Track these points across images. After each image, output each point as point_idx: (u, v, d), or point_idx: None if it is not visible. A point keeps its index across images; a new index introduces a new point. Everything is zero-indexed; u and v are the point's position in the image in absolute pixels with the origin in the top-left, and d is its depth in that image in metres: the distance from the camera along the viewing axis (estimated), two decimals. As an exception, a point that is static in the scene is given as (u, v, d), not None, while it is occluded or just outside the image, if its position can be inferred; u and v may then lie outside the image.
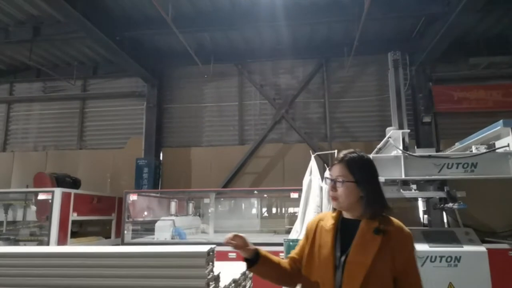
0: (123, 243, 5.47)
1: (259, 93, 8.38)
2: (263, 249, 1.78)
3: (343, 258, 1.62)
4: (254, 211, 7.41)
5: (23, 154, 8.87)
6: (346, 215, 1.75)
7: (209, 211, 6.19)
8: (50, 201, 5.56)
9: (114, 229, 6.88)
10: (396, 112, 4.93)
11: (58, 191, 5.59)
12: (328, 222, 1.76)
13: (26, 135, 9.04)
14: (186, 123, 8.55)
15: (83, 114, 8.94)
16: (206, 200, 6.51)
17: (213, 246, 1.58)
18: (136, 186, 7.73)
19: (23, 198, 6.06)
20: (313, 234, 1.79)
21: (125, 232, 5.57)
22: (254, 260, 1.71)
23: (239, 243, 1.67)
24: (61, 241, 5.62)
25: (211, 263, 1.57)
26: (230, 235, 1.70)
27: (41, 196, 5.65)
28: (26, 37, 6.78)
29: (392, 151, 4.25)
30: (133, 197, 5.69)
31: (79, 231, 6.98)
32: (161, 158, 8.39)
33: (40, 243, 5.62)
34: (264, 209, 7.40)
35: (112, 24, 6.40)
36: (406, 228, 1.68)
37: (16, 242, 5.79)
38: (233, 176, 8.04)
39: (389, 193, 4.06)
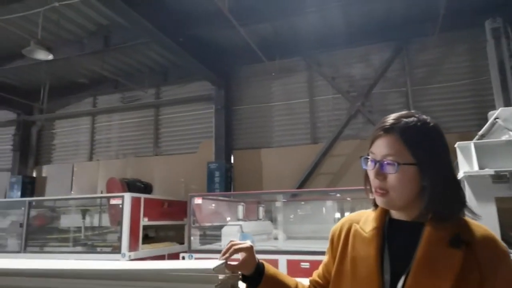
0: (190, 250, 5.27)
1: (331, 87, 7.71)
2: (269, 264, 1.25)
3: (400, 284, 1.00)
4: (330, 214, 6.75)
5: (107, 162, 9.38)
6: (396, 215, 1.13)
7: (279, 215, 5.71)
8: (120, 206, 5.60)
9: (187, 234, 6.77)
10: (500, 90, 3.95)
11: (128, 196, 5.60)
12: (368, 225, 1.14)
13: (109, 144, 9.55)
14: (255, 124, 8.24)
15: (158, 121, 9.16)
16: (278, 204, 6.04)
17: (220, 263, 1.10)
18: (208, 190, 7.60)
19: (98, 203, 6.24)
20: (341, 244, 1.18)
21: (192, 238, 5.36)
22: (256, 279, 1.18)
23: (236, 264, 1.16)
24: (133, 246, 5.61)
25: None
26: (228, 245, 1.19)
27: (112, 201, 5.73)
28: (99, 48, 7.06)
29: (501, 135, 3.31)
30: (198, 200, 5.47)
31: (155, 236, 7.03)
32: (232, 161, 8.18)
33: (115, 249, 5.68)
34: (341, 213, 6.68)
35: (173, 25, 6.33)
36: (500, 240, 1.02)
37: (93, 247, 5.95)
38: (307, 177, 7.48)
39: (495, 190, 3.13)
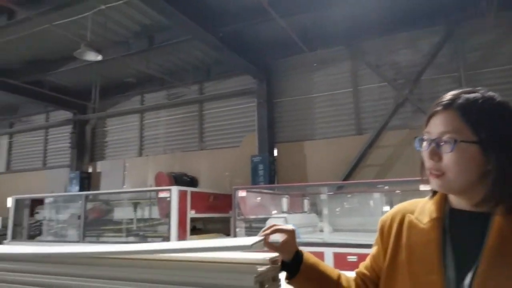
0: (235, 241, 5.35)
1: (376, 75, 7.43)
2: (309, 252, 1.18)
3: (467, 281, 0.89)
4: (378, 207, 6.54)
5: (155, 157, 9.74)
6: (457, 203, 1.01)
7: (325, 207, 5.63)
8: (168, 199, 5.80)
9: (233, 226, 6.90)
10: None
11: (175, 189, 5.80)
12: (425, 215, 1.04)
13: (157, 140, 9.91)
14: (298, 116, 8.16)
15: (202, 116, 9.35)
16: (323, 196, 5.96)
17: (259, 239, 1.10)
18: (252, 183, 7.66)
19: (148, 197, 6.51)
20: (394, 236, 1.08)
21: (237, 230, 5.44)
22: (294, 266, 1.13)
23: (275, 244, 1.12)
24: (181, 237, 5.81)
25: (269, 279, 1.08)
26: (270, 224, 1.16)
27: (161, 195, 5.95)
28: (143, 47, 7.32)
29: None
30: (242, 193, 5.53)
31: (202, 228, 7.24)
32: (275, 154, 8.18)
33: (165, 239, 5.91)
34: (390, 205, 6.46)
35: (213, 21, 6.40)
36: None
37: (144, 238, 6.23)
38: (352, 170, 7.30)
39: None
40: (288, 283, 1.15)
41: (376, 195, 6.46)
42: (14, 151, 12.43)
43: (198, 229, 7.03)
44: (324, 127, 7.86)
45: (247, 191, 5.62)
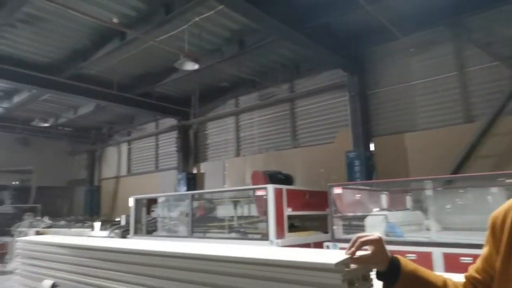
0: (333, 239, 5.26)
1: (486, 54, 6.59)
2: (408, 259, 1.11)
3: None
4: (497, 203, 5.78)
5: (252, 157, 10.12)
6: None
7: (431, 204, 5.19)
8: (265, 197, 5.96)
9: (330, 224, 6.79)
10: None
11: (271, 188, 5.92)
12: None
13: (252, 140, 10.28)
14: (396, 107, 7.68)
15: (293, 114, 9.41)
16: (428, 192, 5.51)
17: (344, 257, 1.06)
18: (349, 180, 7.45)
19: (246, 195, 6.78)
20: (507, 236, 0.97)
21: (334, 227, 5.34)
22: (392, 275, 1.06)
23: (365, 257, 1.07)
24: (279, 234, 5.91)
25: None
26: (354, 239, 1.10)
27: (258, 193, 6.14)
28: (235, 53, 7.66)
29: None
30: (337, 190, 5.41)
31: (300, 226, 7.27)
32: (372, 148, 7.82)
33: (264, 236, 6.08)
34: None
35: (299, 19, 6.38)
36: None
37: (245, 234, 6.50)
38: (462, 162, 6.60)
39: None
40: None
41: (494, 189, 5.72)
42: (132, 157, 14.11)
43: (295, 226, 7.08)
44: (426, 116, 7.25)
45: (343, 188, 5.47)
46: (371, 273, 1.13)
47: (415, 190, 6.13)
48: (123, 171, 14.23)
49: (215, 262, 1.31)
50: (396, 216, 5.35)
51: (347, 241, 4.48)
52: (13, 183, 14.04)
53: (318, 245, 6.15)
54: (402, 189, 6.14)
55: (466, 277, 1.11)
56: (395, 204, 5.84)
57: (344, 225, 5.58)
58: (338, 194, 5.43)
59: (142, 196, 8.38)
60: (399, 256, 1.10)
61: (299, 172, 8.70)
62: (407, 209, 5.89)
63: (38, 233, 9.59)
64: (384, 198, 5.59)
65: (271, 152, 9.67)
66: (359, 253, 1.07)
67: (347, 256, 1.06)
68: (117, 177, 14.32)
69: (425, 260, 4.41)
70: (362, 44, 7.77)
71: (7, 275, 7.80)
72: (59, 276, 2.02)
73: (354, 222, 5.66)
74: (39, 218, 11.33)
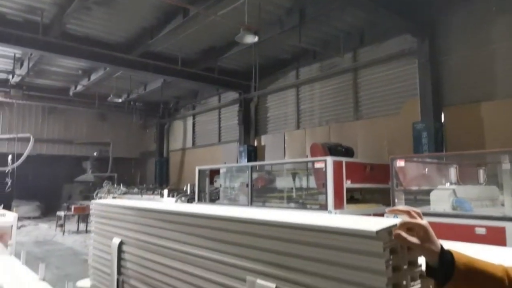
0: (395, 213, 5.09)
1: None
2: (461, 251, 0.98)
3: None
4: None
5: (312, 129, 10.00)
6: None
7: (507, 178, 4.76)
8: (323, 169, 5.91)
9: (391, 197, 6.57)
10: None
11: (330, 160, 5.85)
12: None
13: (312, 113, 10.12)
14: (471, 74, 7.00)
15: (356, 85, 9.04)
16: (505, 165, 5.05)
17: (395, 221, 1.02)
18: (415, 152, 7.07)
19: (304, 167, 6.77)
20: None
21: (396, 200, 5.15)
22: (443, 271, 0.96)
23: (411, 240, 0.96)
24: (338, 206, 5.87)
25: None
26: (399, 222, 1.00)
27: (316, 165, 6.10)
28: (295, 23, 7.47)
29: None
30: (400, 163, 5.16)
31: (360, 199, 7.14)
32: (442, 119, 7.29)
33: (322, 207, 6.08)
34: None
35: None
36: None
37: (304, 205, 6.55)
38: (548, 133, 5.90)
39: None
40: None
41: None
42: (197, 130, 14.71)
43: (356, 199, 6.97)
44: (508, 84, 6.53)
45: (406, 161, 5.21)
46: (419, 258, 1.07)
47: (490, 163, 5.65)
48: (189, 143, 14.92)
49: (257, 225, 1.35)
50: (466, 191, 5.01)
51: (408, 215, 4.30)
52: (94, 154, 15.49)
53: (378, 215, 6.02)
54: (475, 163, 5.68)
55: None
56: (466, 179, 5.44)
57: (406, 199, 5.36)
58: (401, 167, 5.19)
59: (206, 167, 8.78)
60: (451, 249, 1.00)
61: (361, 145, 8.44)
62: (480, 184, 5.47)
63: (115, 198, 10.57)
64: (453, 172, 5.23)
65: (332, 125, 9.46)
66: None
67: (393, 223, 1.01)
68: (183, 149, 15.08)
69: (497, 234, 4.12)
70: (434, 6, 7.12)
71: (90, 233, 8.76)
72: (126, 235, 2.22)
73: (418, 197, 5.41)
74: (115, 186, 12.45)
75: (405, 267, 1.03)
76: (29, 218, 13.80)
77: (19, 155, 12.29)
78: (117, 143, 15.66)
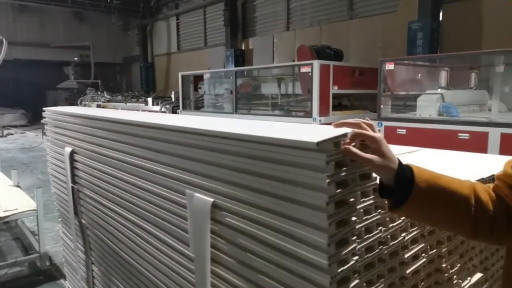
0: (379, 118, 4.95)
1: None
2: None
3: None
4: None
5: (302, 31, 9.36)
6: None
7: (498, 82, 4.54)
8: (310, 74, 5.61)
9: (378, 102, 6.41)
10: None
11: (316, 64, 5.51)
12: None
13: (303, 12, 9.37)
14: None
15: (351, -21, 8.21)
16: (498, 68, 4.79)
17: (344, 130, 0.80)
18: (408, 55, 6.69)
19: (291, 72, 6.44)
20: None
21: (382, 106, 4.97)
22: (403, 190, 0.79)
23: (361, 154, 0.79)
24: (323, 112, 5.72)
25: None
26: (351, 133, 0.81)
27: (302, 69, 5.78)
28: None
29: None
30: (389, 66, 4.85)
31: (348, 105, 6.98)
32: (440, 18, 6.76)
33: (307, 113, 5.94)
34: None
35: None
36: None
37: (289, 112, 6.39)
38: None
39: None
40: (394, 212, 0.85)
41: None
42: (181, 32, 13.81)
43: (344, 105, 6.80)
44: (515, -24, 5.90)
45: (396, 64, 4.89)
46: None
47: (484, 66, 5.38)
48: (174, 47, 14.15)
49: (190, 134, 1.15)
50: (455, 95, 4.83)
51: (394, 120, 4.15)
52: (75, 59, 14.74)
53: (364, 124, 5.94)
54: (468, 66, 5.40)
55: (496, 183, 0.83)
56: (457, 83, 5.20)
57: (393, 105, 5.19)
58: (390, 70, 4.90)
59: (189, 73, 8.38)
60: (411, 164, 0.81)
61: (353, 48, 7.97)
62: (471, 88, 5.26)
63: (98, 106, 10.33)
64: (443, 76, 4.96)
65: (324, 26, 8.82)
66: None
67: (340, 134, 0.80)
68: (168, 54, 14.36)
69: (480, 140, 4.06)
70: None
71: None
72: (77, 145, 2.04)
73: (407, 102, 5.23)
74: (99, 93, 12.08)
75: (356, 182, 0.85)
76: (16, 126, 13.67)
77: (-7, 60, 11.58)
78: (98, 47, 14.82)
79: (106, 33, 15.36)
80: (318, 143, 0.75)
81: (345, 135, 0.80)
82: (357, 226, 0.87)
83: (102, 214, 1.86)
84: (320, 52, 5.97)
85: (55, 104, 14.66)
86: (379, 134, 0.81)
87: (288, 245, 0.88)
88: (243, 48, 11.00)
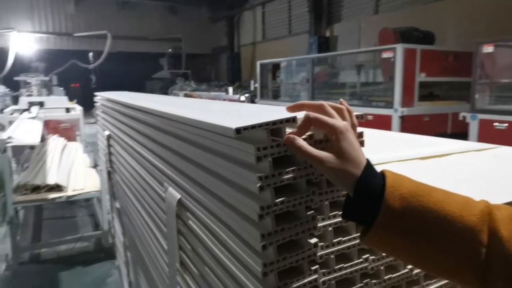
0: (473, 110, 4.21)
1: None
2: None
3: None
4: None
5: (391, 14, 8.56)
6: None
7: None
8: (392, 59, 5.04)
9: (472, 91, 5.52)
10: None
11: (400, 48, 4.92)
12: None
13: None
14: None
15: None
16: None
17: (291, 115, 0.55)
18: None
19: (373, 59, 5.89)
20: None
21: (476, 96, 4.22)
22: (364, 212, 0.51)
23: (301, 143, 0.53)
24: (406, 102, 5.12)
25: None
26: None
27: (384, 55, 5.23)
28: None
29: None
30: (488, 49, 4.06)
31: (440, 95, 6.18)
32: None
33: (387, 103, 5.38)
34: None
35: None
36: None
37: (368, 101, 5.88)
38: None
39: None
40: (362, 242, 0.54)
41: None
42: (267, 21, 13.76)
43: (435, 95, 6.02)
44: None
45: (496, 46, 4.07)
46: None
47: None
48: (259, 37, 14.18)
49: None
50: None
51: (492, 112, 3.48)
52: (169, 50, 15.74)
53: (454, 116, 5.16)
54: None
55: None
56: None
57: (492, 95, 4.37)
58: (489, 54, 4.12)
59: (267, 61, 8.27)
60: (387, 170, 0.52)
61: (450, 30, 7.00)
62: None
63: (186, 95, 10.86)
64: None
65: (416, 7, 7.92)
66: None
67: (281, 118, 0.55)
68: (253, 44, 14.45)
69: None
70: None
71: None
72: (111, 129, 2.04)
73: (510, 93, 4.37)
74: (187, 82, 12.71)
75: (320, 187, 0.60)
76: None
77: (99, 53, 12.93)
78: (188, 39, 15.58)
79: (196, 25, 16.07)
80: (238, 130, 0.52)
81: (292, 119, 0.55)
82: (322, 252, 0.61)
83: (128, 200, 1.83)
84: (406, 35, 5.32)
85: (152, 92, 15.94)
86: (343, 123, 0.53)
87: (226, 259, 0.67)
88: (327, 35, 10.51)
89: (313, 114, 0.54)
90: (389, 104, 5.23)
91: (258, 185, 0.54)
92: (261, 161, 0.54)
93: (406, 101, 5.12)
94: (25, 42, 13.50)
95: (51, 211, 4.22)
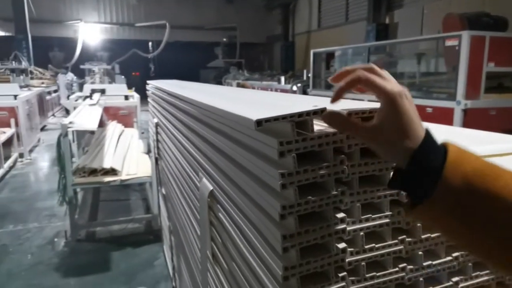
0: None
1: None
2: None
3: None
4: None
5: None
6: None
7: None
8: (457, 47, 4.66)
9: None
10: None
11: (466, 35, 4.53)
12: None
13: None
14: None
15: None
16: None
17: (323, 106, 0.49)
18: None
19: (434, 46, 5.49)
20: None
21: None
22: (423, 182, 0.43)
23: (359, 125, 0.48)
24: (471, 95, 4.73)
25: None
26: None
27: (448, 43, 4.85)
28: None
29: None
30: None
31: (511, 86, 5.64)
32: None
33: (450, 95, 5.01)
34: None
35: None
36: None
37: (429, 93, 5.51)
38: None
39: None
40: (408, 215, 0.49)
41: None
42: (323, 8, 13.38)
43: (504, 87, 5.50)
44: None
45: None
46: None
47: None
48: (314, 25, 13.84)
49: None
50: None
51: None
52: (223, 40, 15.93)
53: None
54: None
55: None
56: None
57: None
58: None
59: (321, 50, 8.05)
60: (451, 143, 0.45)
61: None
62: None
63: (238, 84, 10.94)
64: None
65: (489, -11, 7.23)
66: (344, 105, 0.50)
67: (311, 109, 0.50)
68: (308, 32, 14.14)
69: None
70: None
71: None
72: (159, 117, 2.09)
73: None
74: (241, 72, 12.79)
75: (351, 187, 0.54)
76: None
77: (158, 42, 13.43)
78: (243, 28, 15.63)
79: (251, 14, 16.06)
80: (258, 122, 0.48)
81: (321, 111, 0.50)
82: (351, 258, 0.55)
83: (171, 186, 1.86)
84: (474, 21, 4.87)
85: (206, 82, 16.30)
86: (400, 88, 0.47)
87: (251, 258, 0.64)
88: (386, 22, 9.98)
89: (364, 73, 0.48)
90: (452, 96, 4.86)
91: (280, 182, 0.49)
92: (284, 157, 0.50)
93: (471, 93, 4.73)
94: (91, 32, 14.37)
95: (107, 193, 4.48)
